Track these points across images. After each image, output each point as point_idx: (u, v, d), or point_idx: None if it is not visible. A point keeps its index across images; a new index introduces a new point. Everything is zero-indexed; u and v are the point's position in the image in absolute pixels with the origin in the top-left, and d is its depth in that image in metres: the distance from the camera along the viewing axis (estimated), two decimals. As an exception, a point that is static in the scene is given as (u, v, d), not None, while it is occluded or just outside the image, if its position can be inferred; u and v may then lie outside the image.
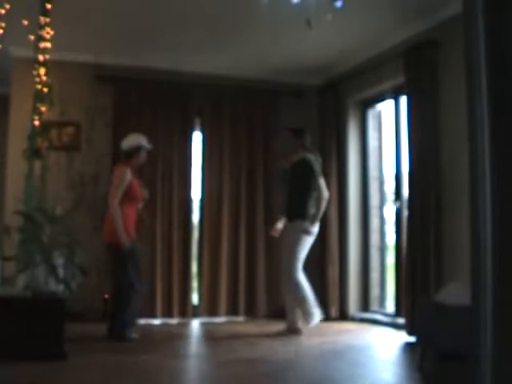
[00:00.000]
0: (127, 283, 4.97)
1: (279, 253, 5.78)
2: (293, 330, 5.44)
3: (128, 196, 5.10)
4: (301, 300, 5.42)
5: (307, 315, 5.43)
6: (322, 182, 5.53)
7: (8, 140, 6.22)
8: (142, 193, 5.30)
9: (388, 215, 6.53)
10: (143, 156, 5.28)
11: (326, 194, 5.54)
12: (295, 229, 5.45)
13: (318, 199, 5.51)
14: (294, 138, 5.70)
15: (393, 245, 6.15)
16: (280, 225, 5.76)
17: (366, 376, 3.87)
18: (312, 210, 5.48)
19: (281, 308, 6.62)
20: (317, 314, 5.47)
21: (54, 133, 6.15)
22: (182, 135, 6.63)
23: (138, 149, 5.20)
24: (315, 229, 5.51)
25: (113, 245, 5.03)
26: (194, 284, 6.73)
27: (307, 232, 5.42)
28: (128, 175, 5.10)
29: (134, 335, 5.05)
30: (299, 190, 5.51)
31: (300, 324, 5.48)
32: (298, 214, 5.48)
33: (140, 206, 5.37)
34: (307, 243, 5.49)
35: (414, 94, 5.36)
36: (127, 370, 3.90)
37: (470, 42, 1.24)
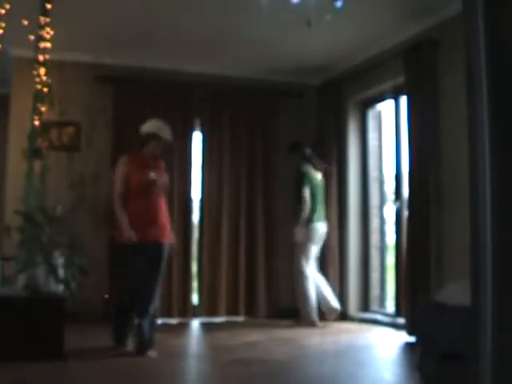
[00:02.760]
0: (123, 287, 4.63)
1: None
2: (309, 323, 5.90)
3: (129, 190, 4.51)
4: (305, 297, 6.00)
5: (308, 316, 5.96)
6: (305, 190, 6.13)
7: (8, 140, 6.22)
8: (148, 183, 4.55)
9: (388, 215, 6.53)
10: (157, 147, 4.67)
11: (307, 203, 6.13)
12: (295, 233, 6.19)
13: (300, 206, 6.18)
14: (293, 152, 6.40)
15: (393, 245, 6.15)
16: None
17: (366, 376, 3.87)
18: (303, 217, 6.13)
19: (281, 308, 6.65)
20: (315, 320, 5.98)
21: (53, 133, 6.14)
22: (182, 135, 6.63)
23: (151, 136, 4.64)
24: (309, 231, 6.13)
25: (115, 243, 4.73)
26: (194, 284, 6.73)
27: (296, 239, 6.15)
28: (122, 163, 4.56)
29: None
30: (296, 198, 6.25)
31: (314, 316, 5.96)
32: (295, 219, 6.22)
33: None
34: (309, 245, 6.14)
35: (414, 94, 5.36)
36: (127, 370, 3.90)
37: (470, 42, 1.24)
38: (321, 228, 6.18)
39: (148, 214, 4.52)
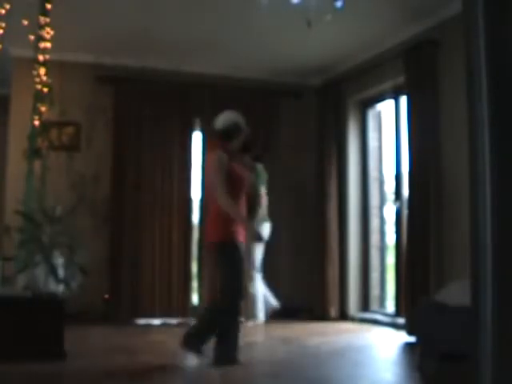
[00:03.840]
0: (232, 289, 4.04)
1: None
2: (254, 321, 5.73)
3: (230, 186, 4.06)
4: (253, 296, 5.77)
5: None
6: (262, 190, 5.88)
7: (8, 140, 6.22)
8: (245, 180, 4.31)
9: (388, 215, 6.53)
10: (241, 139, 4.25)
11: (263, 202, 5.87)
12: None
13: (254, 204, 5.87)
14: (246, 151, 5.90)
15: (393, 245, 6.15)
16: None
17: (366, 376, 3.87)
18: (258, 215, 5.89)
19: (281, 308, 6.64)
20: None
21: (54, 133, 6.15)
22: (182, 135, 6.63)
23: (236, 128, 4.19)
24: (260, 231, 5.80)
25: (217, 244, 4.12)
26: (194, 284, 6.73)
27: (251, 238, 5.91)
28: (222, 161, 4.05)
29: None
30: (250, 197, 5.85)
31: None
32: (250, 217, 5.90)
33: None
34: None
35: (414, 94, 5.36)
36: (126, 370, 3.89)
37: (470, 42, 1.24)
38: (266, 228, 5.98)
39: (243, 213, 4.26)
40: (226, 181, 4.00)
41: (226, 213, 3.99)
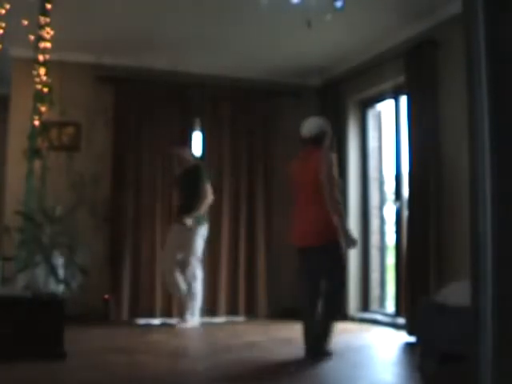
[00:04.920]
0: (341, 287, 4.51)
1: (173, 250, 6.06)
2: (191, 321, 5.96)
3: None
4: (194, 296, 5.95)
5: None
6: (208, 186, 6.07)
7: (8, 140, 6.22)
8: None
9: (388, 215, 6.53)
10: (328, 143, 4.51)
11: (210, 197, 6.09)
12: (189, 230, 5.97)
13: (199, 198, 6.07)
14: (181, 149, 6.25)
15: (393, 245, 6.15)
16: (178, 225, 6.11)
17: (366, 376, 3.87)
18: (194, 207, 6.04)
19: (281, 308, 6.64)
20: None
21: (54, 133, 6.15)
22: (182, 135, 6.63)
23: (326, 133, 4.47)
24: (201, 228, 6.04)
25: (328, 245, 4.23)
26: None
27: (185, 224, 5.95)
28: (336, 163, 4.29)
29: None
30: (192, 194, 6.06)
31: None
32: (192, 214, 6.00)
33: None
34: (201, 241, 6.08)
35: (414, 93, 5.36)
36: (127, 370, 3.89)
37: (470, 41, 1.24)
38: (205, 228, 6.13)
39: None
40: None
41: (329, 213, 4.18)
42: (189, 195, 6.08)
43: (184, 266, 5.99)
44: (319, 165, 4.24)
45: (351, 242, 4.29)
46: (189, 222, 5.95)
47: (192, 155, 6.32)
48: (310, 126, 4.46)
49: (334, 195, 4.18)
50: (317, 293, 4.30)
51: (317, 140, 4.40)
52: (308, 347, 4.27)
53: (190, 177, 6.11)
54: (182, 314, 6.00)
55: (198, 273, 5.98)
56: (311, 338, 4.27)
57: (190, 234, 5.96)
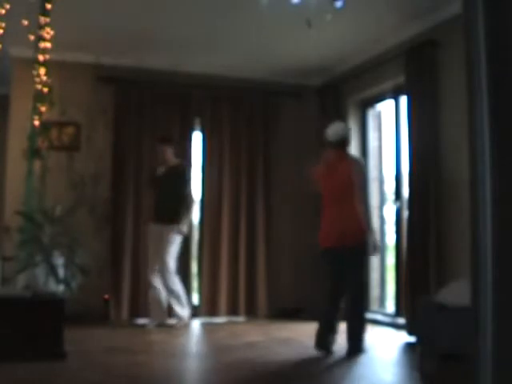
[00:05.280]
0: (363, 286, 4.74)
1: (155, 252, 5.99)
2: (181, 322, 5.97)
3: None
4: (176, 292, 5.94)
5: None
6: (192, 187, 6.10)
7: (8, 140, 6.22)
8: None
9: (388, 215, 6.53)
10: (349, 146, 4.84)
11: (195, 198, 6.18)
12: (172, 230, 5.91)
13: (189, 203, 6.06)
14: (167, 146, 6.11)
15: (393, 245, 6.15)
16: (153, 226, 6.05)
17: (366, 376, 3.87)
18: (184, 213, 5.99)
19: (281, 308, 6.64)
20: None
21: (54, 133, 6.15)
22: (182, 135, 6.63)
23: (349, 136, 4.79)
24: (186, 230, 6.06)
25: (357, 247, 4.50)
26: (194, 284, 6.73)
27: (182, 233, 5.97)
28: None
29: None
30: (175, 194, 6.01)
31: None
32: (174, 216, 5.93)
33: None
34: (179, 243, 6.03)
35: (414, 93, 5.36)
36: (126, 370, 3.89)
37: (470, 41, 1.24)
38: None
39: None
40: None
41: (360, 216, 4.45)
42: (170, 196, 6.00)
43: (160, 264, 5.91)
44: (352, 172, 4.51)
45: (376, 248, 4.59)
46: (184, 230, 5.96)
47: (176, 154, 6.17)
48: (337, 129, 4.69)
49: (366, 203, 4.53)
50: (341, 292, 4.56)
51: (343, 143, 4.66)
52: (320, 344, 4.46)
53: (175, 177, 6.04)
54: (176, 314, 5.97)
55: (170, 267, 5.88)
56: (327, 337, 4.49)
57: (171, 234, 5.90)
